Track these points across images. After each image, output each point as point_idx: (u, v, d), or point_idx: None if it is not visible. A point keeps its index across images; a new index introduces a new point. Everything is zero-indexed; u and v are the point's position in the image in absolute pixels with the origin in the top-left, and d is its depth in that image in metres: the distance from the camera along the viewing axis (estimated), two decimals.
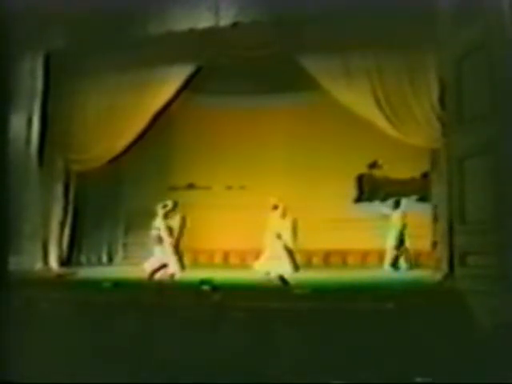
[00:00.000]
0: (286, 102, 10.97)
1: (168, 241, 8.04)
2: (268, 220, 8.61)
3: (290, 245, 8.38)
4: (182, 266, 8.08)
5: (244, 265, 9.23)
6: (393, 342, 4.89)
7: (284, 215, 8.48)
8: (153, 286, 7.60)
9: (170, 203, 8.29)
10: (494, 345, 4.77)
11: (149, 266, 8.12)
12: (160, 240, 8.08)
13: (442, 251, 7.95)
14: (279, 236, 8.38)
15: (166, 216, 8.17)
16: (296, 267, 8.37)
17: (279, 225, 8.47)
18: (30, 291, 6.36)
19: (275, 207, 8.57)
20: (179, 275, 7.95)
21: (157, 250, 8.16)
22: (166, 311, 5.65)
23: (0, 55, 7.64)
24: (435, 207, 8.61)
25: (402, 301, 5.60)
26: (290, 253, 8.40)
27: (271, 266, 8.25)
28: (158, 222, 8.17)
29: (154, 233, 8.18)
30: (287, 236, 8.39)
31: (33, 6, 8.43)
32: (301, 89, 10.41)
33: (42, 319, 5.71)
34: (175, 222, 8.19)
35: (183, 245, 8.29)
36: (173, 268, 8.01)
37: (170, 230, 8.12)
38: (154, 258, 8.17)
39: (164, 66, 9.67)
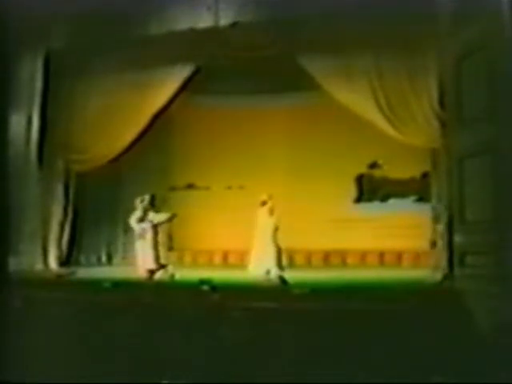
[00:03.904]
0: (286, 102, 10.95)
1: (150, 235, 8.18)
2: (256, 217, 8.48)
3: (272, 243, 8.19)
4: (159, 262, 8.21)
5: (243, 265, 9.21)
6: (392, 342, 4.88)
7: (271, 213, 8.31)
8: (152, 286, 7.61)
9: (146, 197, 8.44)
10: (493, 345, 4.77)
11: (141, 265, 8.20)
12: (142, 235, 8.21)
13: (442, 251, 7.96)
14: (264, 234, 8.23)
15: (146, 210, 8.31)
16: (281, 267, 8.17)
17: (265, 222, 8.32)
18: (30, 291, 6.35)
19: (264, 203, 8.43)
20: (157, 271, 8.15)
21: (138, 244, 8.31)
22: (166, 311, 5.65)
23: (0, 55, 7.64)
24: (435, 207, 8.61)
25: (401, 301, 5.60)
26: (278, 251, 8.25)
27: (260, 264, 8.19)
28: (140, 217, 8.29)
29: (138, 227, 8.29)
30: (270, 234, 8.23)
31: (33, 6, 8.42)
32: (301, 89, 10.38)
33: (42, 319, 5.70)
34: (160, 217, 8.31)
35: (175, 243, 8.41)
36: (150, 263, 8.14)
37: (153, 225, 8.27)
38: (140, 256, 8.27)
39: (164, 66, 9.67)
